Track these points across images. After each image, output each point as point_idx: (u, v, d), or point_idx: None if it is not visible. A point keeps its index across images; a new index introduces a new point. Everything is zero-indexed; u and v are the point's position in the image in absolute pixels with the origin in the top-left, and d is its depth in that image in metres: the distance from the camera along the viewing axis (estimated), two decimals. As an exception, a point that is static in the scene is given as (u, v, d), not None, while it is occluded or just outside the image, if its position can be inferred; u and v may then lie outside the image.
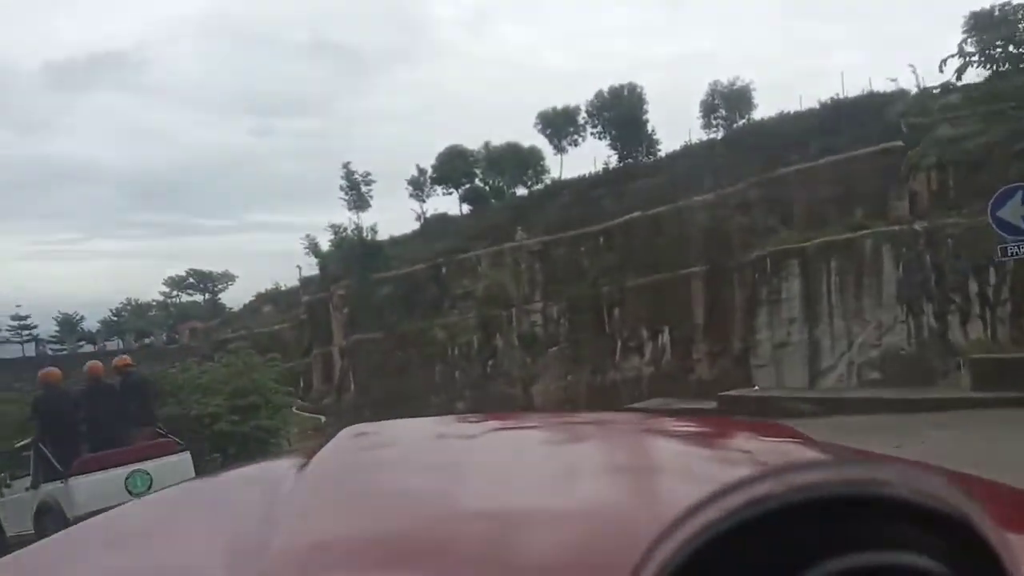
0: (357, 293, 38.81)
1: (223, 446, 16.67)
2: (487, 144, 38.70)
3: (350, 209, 41.12)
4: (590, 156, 42.44)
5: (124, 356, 10.58)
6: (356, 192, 41.13)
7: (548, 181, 36.73)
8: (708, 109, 31.82)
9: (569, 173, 36.05)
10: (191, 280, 78.55)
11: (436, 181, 39.68)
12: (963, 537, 0.44)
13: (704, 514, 0.44)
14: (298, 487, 0.98)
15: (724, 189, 27.83)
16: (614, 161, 34.18)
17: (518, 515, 0.86)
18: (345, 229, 40.68)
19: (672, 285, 28.45)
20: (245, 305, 61.95)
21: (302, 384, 43.82)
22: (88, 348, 62.21)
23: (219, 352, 19.79)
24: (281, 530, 0.83)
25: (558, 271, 32.10)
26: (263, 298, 57.71)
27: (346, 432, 1.29)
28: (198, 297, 78.07)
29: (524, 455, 1.16)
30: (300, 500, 0.93)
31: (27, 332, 66.87)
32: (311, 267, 46.35)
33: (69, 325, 69.47)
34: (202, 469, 16.33)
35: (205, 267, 79.74)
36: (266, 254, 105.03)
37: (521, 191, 37.57)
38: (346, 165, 41.01)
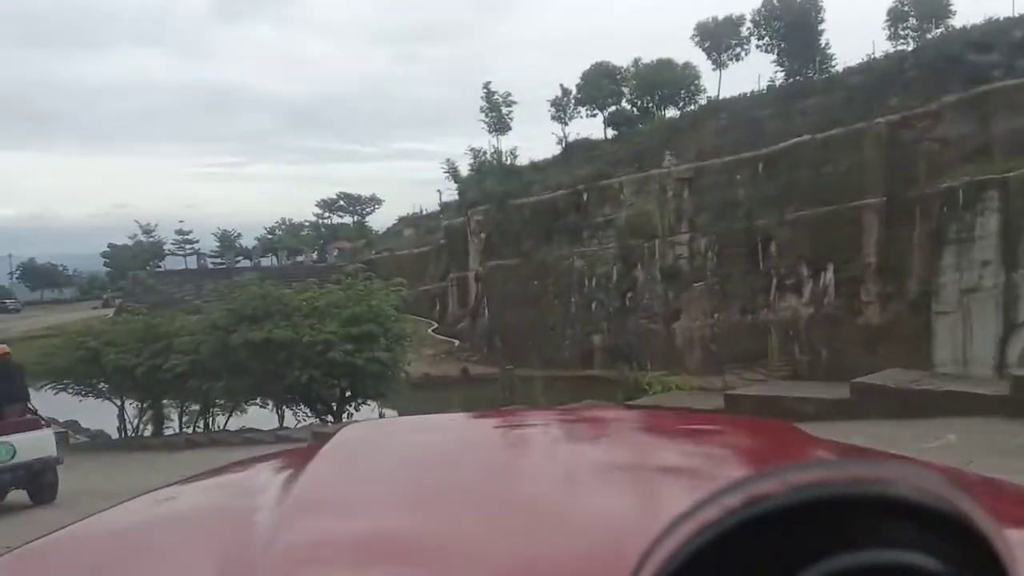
0: (494, 218, 37.37)
1: (337, 376, 15.76)
2: (636, 61, 35.64)
3: (490, 132, 39.44)
4: (753, 73, 38.22)
5: (1, 344, 11.23)
6: (496, 114, 39.34)
7: (703, 101, 33.38)
8: (896, 18, 27.40)
9: (728, 91, 32.48)
10: (341, 202, 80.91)
11: (580, 102, 37.08)
12: (964, 536, 0.44)
13: (704, 513, 0.43)
14: (301, 484, 0.97)
15: (911, 110, 23.92)
16: (781, 78, 30.43)
17: (517, 515, 0.87)
18: (484, 153, 39.18)
19: (841, 218, 24.97)
20: (388, 228, 62.57)
21: (438, 307, 43.64)
22: (245, 263, 65.30)
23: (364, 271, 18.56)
24: (283, 526, 0.82)
25: (709, 200, 29.12)
26: (405, 221, 57.76)
27: (347, 430, 1.25)
28: (347, 219, 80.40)
29: (523, 454, 1.17)
30: (302, 497, 0.93)
31: (190, 246, 71.11)
32: (451, 192, 45.43)
33: (228, 241, 72.88)
34: (322, 397, 15.71)
35: (354, 191, 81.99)
36: (411, 180, 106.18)
37: (672, 113, 34.48)
38: (486, 85, 39.13)
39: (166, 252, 71.10)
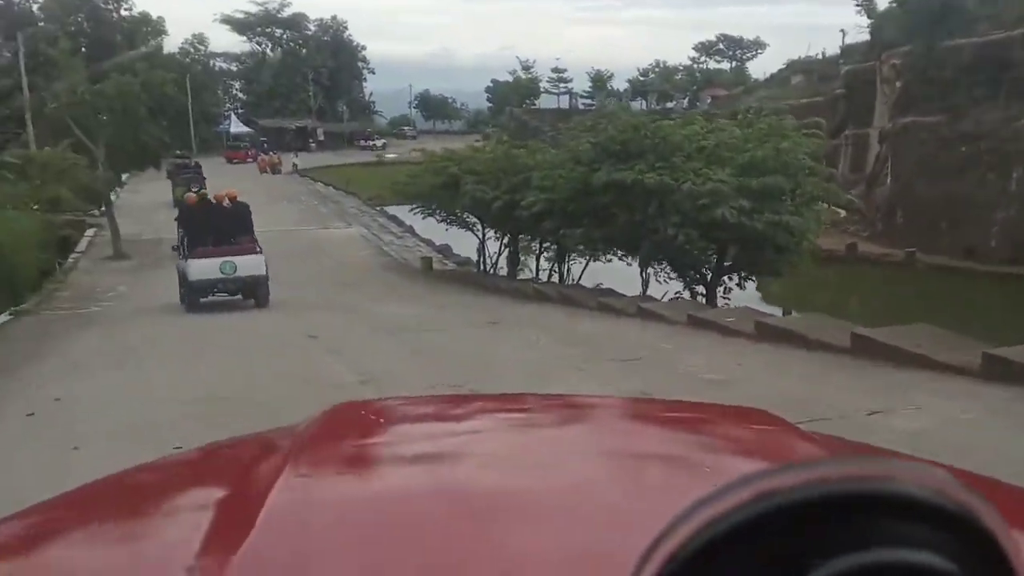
0: (917, 63, 29.72)
1: (724, 241, 11.49)
2: None
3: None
4: None
5: (233, 189, 14.64)
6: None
7: None
8: None
9: None
10: (720, 46, 75.19)
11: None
12: (970, 533, 0.43)
13: (711, 509, 0.42)
14: (284, 465, 0.94)
15: None
16: None
17: (513, 506, 0.86)
18: (916, -23, 31.06)
19: None
20: (772, 75, 55.47)
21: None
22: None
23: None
24: (265, 509, 0.81)
25: None
26: (795, 67, 50.33)
27: (334, 410, 1.23)
28: (724, 65, 74.67)
29: (520, 444, 1.16)
30: (285, 479, 0.89)
31: (564, 86, 71.16)
32: (859, 32, 37.78)
33: (600, 83, 71.45)
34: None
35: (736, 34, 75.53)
36: (801, 26, 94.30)
37: None
38: None
39: (541, 90, 71.89)
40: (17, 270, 17.64)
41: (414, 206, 21.16)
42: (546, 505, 0.85)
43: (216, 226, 13.29)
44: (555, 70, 68.76)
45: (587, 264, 16.19)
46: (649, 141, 12.08)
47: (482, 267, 19.85)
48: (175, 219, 15.11)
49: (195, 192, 16.31)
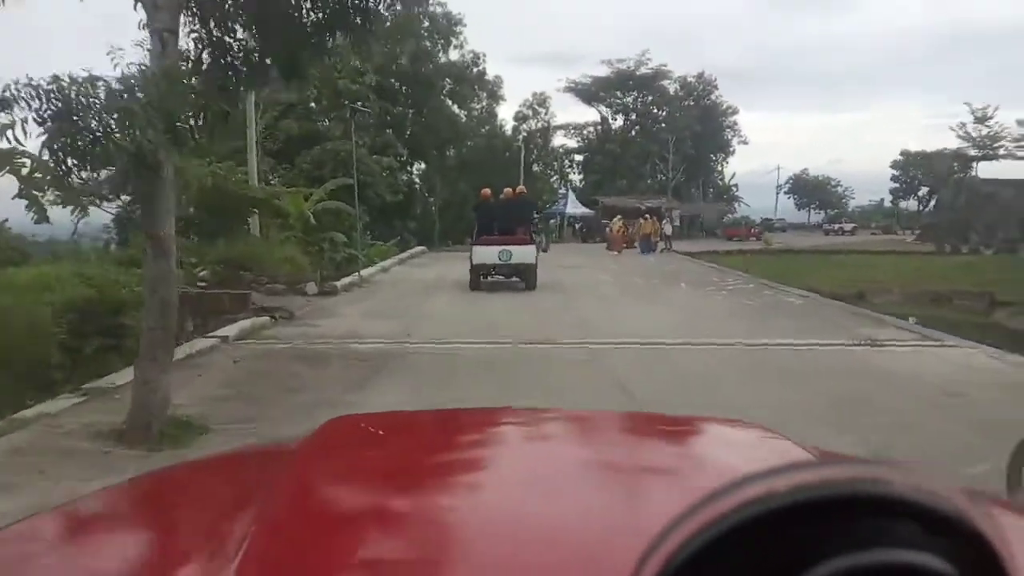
0: None
1: None
2: None
3: None
4: None
5: (521, 187, 18.64)
6: None
7: None
8: None
9: None
10: None
11: None
12: (963, 535, 0.42)
13: (705, 513, 0.42)
14: (280, 479, 0.94)
15: None
16: None
17: (509, 518, 0.85)
18: None
19: None
20: None
21: None
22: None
23: None
24: (262, 521, 0.80)
25: None
26: None
27: (329, 425, 1.21)
28: None
29: (513, 456, 1.13)
30: (282, 493, 0.90)
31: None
32: None
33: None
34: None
35: None
36: None
37: None
38: None
39: (980, 156, 49.20)
40: None
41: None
42: (544, 512, 0.82)
43: (501, 217, 15.36)
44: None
45: None
46: None
47: None
48: (472, 208, 17.31)
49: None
